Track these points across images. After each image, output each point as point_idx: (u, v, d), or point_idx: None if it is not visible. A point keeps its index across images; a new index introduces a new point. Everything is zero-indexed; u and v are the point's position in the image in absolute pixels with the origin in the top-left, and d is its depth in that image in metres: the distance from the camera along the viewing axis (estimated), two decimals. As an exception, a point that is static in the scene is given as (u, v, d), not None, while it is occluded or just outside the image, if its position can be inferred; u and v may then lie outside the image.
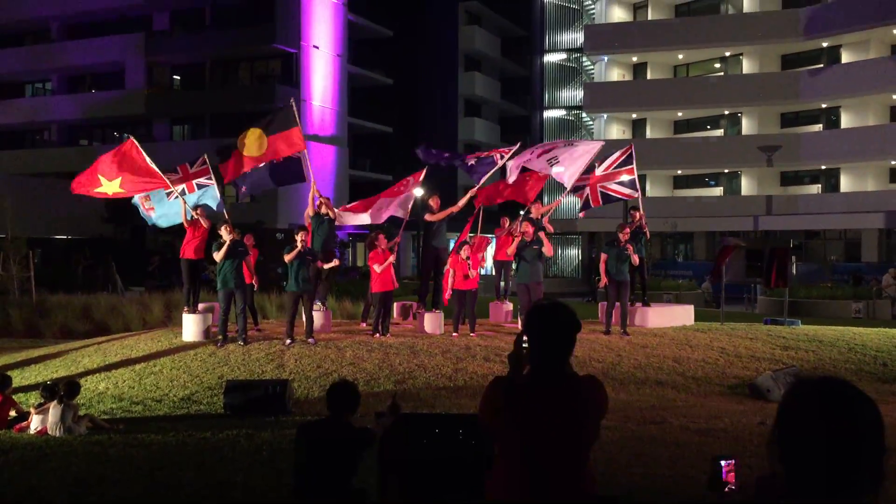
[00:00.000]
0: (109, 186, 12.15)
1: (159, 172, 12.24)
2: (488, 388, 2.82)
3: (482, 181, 13.79)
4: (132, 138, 12.49)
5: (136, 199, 13.05)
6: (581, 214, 14.79)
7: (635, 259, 12.80)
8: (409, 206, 13.75)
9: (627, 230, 12.98)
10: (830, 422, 1.79)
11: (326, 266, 12.65)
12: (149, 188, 12.50)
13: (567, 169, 13.32)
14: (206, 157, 13.10)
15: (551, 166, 13.41)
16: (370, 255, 12.96)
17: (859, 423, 1.79)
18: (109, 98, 41.72)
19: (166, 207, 12.96)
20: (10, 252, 19.39)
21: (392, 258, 12.64)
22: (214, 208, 12.94)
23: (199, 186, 12.86)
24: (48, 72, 44.09)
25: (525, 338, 2.84)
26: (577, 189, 14.23)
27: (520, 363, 2.86)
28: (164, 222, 13.29)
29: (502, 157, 13.71)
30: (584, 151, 13.51)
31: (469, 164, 14.02)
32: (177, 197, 12.51)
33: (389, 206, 13.67)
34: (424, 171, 14.04)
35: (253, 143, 12.72)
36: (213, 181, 12.88)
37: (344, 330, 13.40)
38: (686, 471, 6.14)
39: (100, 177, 12.12)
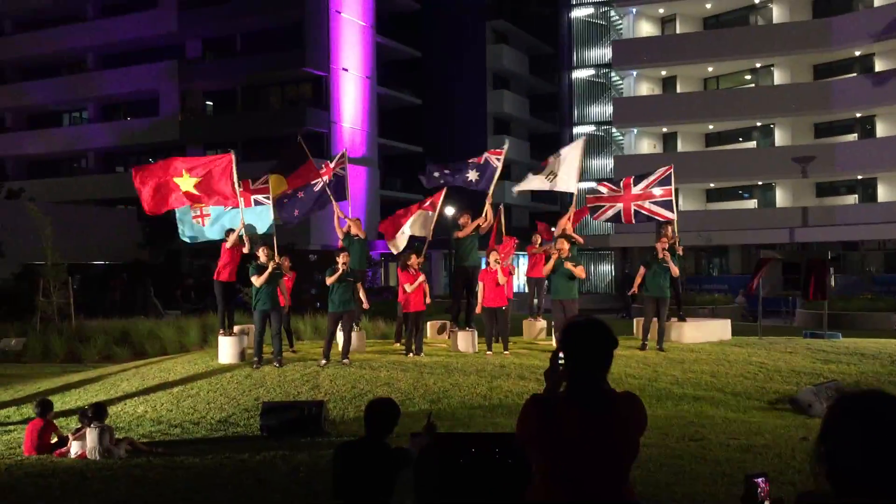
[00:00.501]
0: (185, 182, 12.20)
1: (237, 194, 12.36)
2: (525, 407, 2.80)
3: (492, 187, 13.76)
4: (232, 153, 12.59)
5: (186, 210, 13.10)
6: (595, 217, 14.82)
7: (674, 270, 12.71)
8: (432, 227, 13.82)
9: (664, 240, 12.92)
10: (877, 436, 1.76)
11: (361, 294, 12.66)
12: (215, 204, 12.66)
13: (567, 177, 13.51)
14: (268, 175, 13.13)
15: (551, 182, 13.61)
16: (401, 275, 13.02)
17: None
18: (144, 125, 42.53)
19: (224, 218, 13.07)
20: (51, 278, 19.73)
21: (422, 277, 12.67)
22: (262, 230, 13.06)
23: (256, 203, 13.05)
24: (84, 101, 45.07)
25: (561, 354, 2.81)
26: (594, 192, 14.44)
27: (556, 380, 2.83)
28: (214, 234, 13.27)
29: (498, 159, 13.78)
30: (571, 155, 13.72)
31: (468, 178, 13.89)
32: (231, 208, 12.75)
33: (411, 227, 13.90)
34: (444, 192, 14.09)
35: (277, 187, 13.01)
36: (271, 202, 12.98)
37: (377, 350, 13.43)
38: (728, 489, 6.04)
39: (182, 169, 12.22)
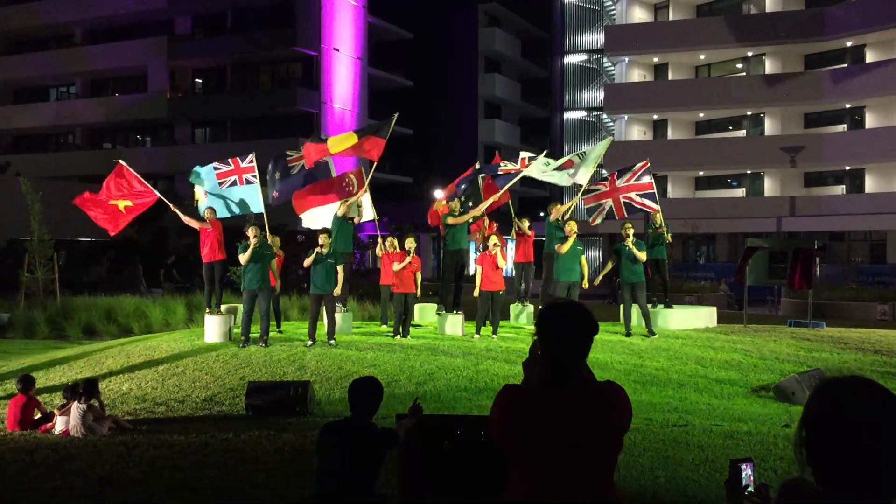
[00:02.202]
0: (122, 202, 13.09)
1: (151, 188, 13.14)
2: (498, 398, 2.60)
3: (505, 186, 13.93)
4: (121, 162, 13.31)
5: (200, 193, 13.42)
6: (592, 222, 15.07)
7: (640, 256, 12.77)
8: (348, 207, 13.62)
9: (630, 226, 13.02)
10: (858, 421, 1.77)
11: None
12: (148, 204, 13.30)
13: (583, 171, 13.71)
14: (253, 155, 13.35)
15: (571, 176, 13.82)
16: (389, 256, 13.04)
17: (887, 422, 1.77)
18: (132, 102, 42.14)
19: (233, 195, 13.21)
20: (36, 254, 19.61)
21: (408, 259, 12.62)
22: (253, 209, 13.22)
23: (248, 182, 13.12)
24: (72, 76, 44.60)
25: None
26: (588, 192, 14.58)
27: (536, 371, 2.64)
28: (234, 209, 13.43)
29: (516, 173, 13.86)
30: (594, 153, 14.05)
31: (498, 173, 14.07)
32: (231, 185, 13.00)
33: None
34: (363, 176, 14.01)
35: (341, 142, 13.08)
36: (258, 181, 13.09)
37: (364, 331, 13.43)
38: (710, 474, 6.08)
39: (111, 202, 13.13)
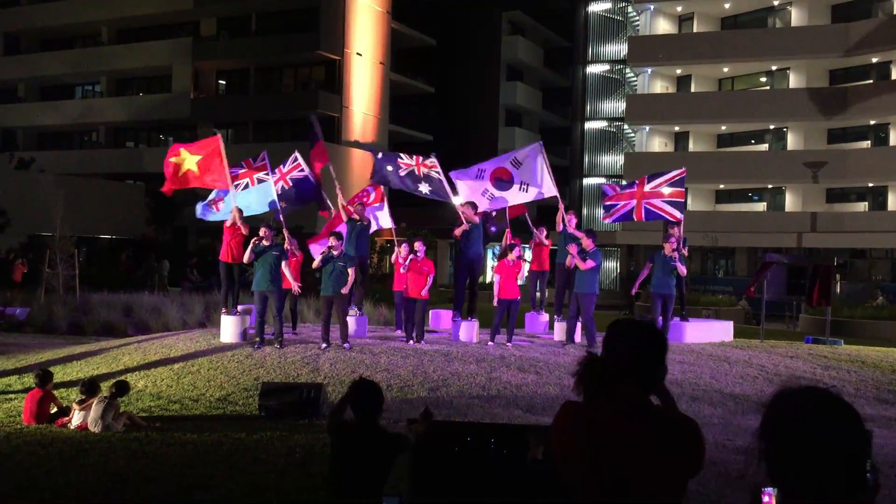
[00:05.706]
0: (190, 161, 12.72)
1: (228, 177, 12.76)
2: (561, 414, 2.43)
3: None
4: (219, 135, 13.01)
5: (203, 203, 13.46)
6: (605, 219, 14.78)
7: (682, 269, 12.71)
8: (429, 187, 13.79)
9: (673, 240, 12.89)
10: (809, 431, 1.80)
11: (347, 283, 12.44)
12: (210, 184, 13.03)
13: (545, 183, 13.45)
14: (265, 153, 13.44)
15: (526, 192, 13.58)
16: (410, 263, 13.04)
17: (838, 433, 1.80)
18: (156, 101, 42.50)
19: (238, 199, 13.23)
20: (58, 250, 19.82)
21: (422, 262, 12.68)
22: (267, 207, 13.22)
23: (259, 181, 13.18)
24: (97, 74, 45.05)
25: (601, 361, 2.46)
26: (608, 208, 14.44)
27: (593, 390, 2.47)
28: (221, 216, 13.43)
29: (437, 172, 13.69)
30: (535, 162, 13.54)
31: (420, 189, 13.88)
32: (244, 189, 13.00)
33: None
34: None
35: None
36: (271, 178, 13.12)
37: (379, 336, 13.45)
38: (720, 489, 6.05)
39: (181, 149, 12.83)
